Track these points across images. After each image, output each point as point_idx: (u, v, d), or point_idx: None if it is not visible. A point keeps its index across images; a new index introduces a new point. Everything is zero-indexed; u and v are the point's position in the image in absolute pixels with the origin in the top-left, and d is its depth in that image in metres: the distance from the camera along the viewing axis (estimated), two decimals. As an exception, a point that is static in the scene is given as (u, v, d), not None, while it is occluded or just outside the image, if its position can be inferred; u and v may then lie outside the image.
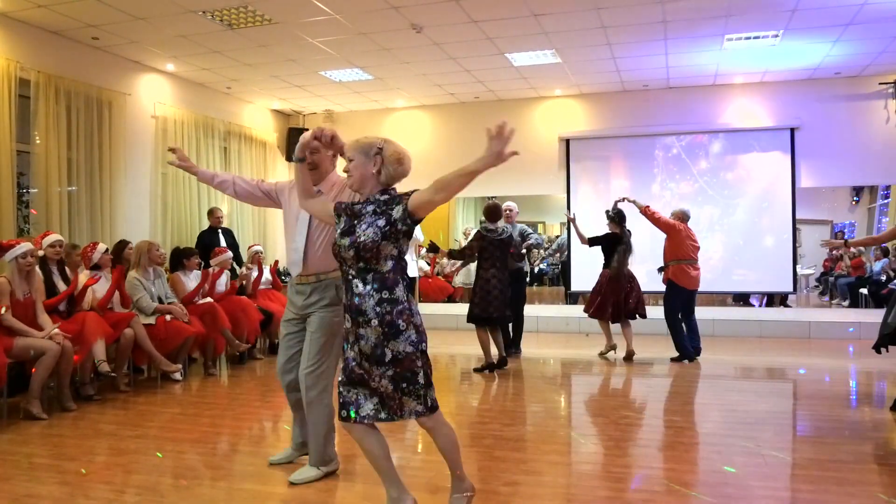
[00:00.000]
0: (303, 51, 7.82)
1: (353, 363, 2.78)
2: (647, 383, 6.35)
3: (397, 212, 2.79)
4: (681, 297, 7.17)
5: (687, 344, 7.14)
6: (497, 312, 6.55)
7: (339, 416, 2.86)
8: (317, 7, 6.51)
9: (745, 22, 7.02)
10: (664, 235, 7.33)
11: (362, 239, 2.71)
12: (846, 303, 10.84)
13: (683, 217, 7.34)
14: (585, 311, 7.53)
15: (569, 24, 7.06)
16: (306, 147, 3.19)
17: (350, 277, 2.76)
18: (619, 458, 3.98)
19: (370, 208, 2.82)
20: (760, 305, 10.60)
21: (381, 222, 2.76)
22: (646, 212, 7.18)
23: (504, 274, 6.65)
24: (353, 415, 2.78)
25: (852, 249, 5.08)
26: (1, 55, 6.39)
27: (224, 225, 8.67)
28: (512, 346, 7.48)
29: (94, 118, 7.38)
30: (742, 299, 10.67)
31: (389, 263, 2.76)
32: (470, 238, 6.88)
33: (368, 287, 2.72)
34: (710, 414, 5.07)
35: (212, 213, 8.52)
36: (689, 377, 6.52)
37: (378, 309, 2.70)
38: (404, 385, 2.72)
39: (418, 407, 2.77)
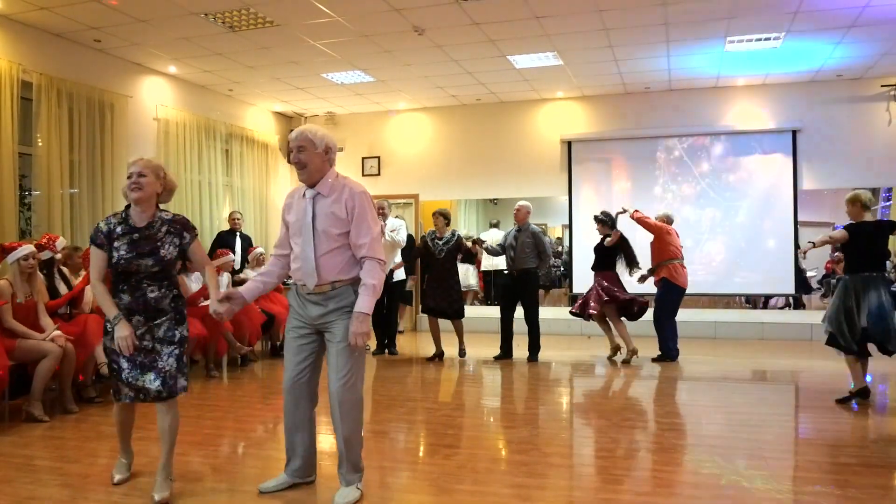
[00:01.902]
0: (304, 53, 7.83)
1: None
2: (649, 385, 6.34)
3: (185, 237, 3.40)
4: (677, 296, 7.32)
5: (672, 344, 7.27)
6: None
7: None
8: (319, 9, 6.51)
9: (748, 24, 7.01)
10: (649, 239, 7.48)
11: (168, 258, 3.33)
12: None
13: (668, 220, 7.52)
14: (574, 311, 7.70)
15: (571, 27, 7.06)
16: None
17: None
18: (621, 459, 3.98)
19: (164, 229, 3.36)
20: (785, 307, 10.50)
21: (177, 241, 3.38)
22: (634, 216, 7.35)
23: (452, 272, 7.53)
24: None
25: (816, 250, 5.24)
26: (3, 57, 6.40)
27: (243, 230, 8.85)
28: (529, 353, 7.47)
29: (95, 120, 7.39)
30: (752, 301, 10.60)
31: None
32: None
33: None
34: (712, 416, 5.06)
35: (230, 216, 8.80)
36: (690, 379, 6.51)
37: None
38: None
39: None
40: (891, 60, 8.13)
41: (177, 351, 3.34)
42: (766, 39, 7.46)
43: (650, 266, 7.45)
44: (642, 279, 7.43)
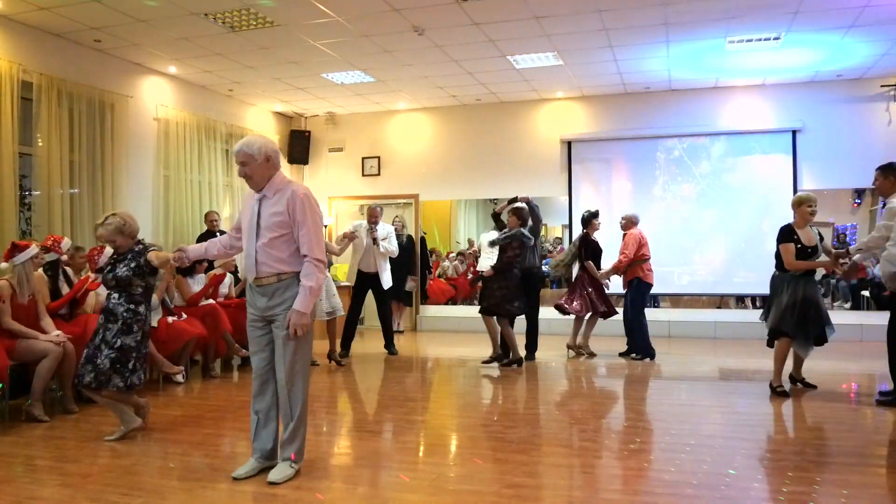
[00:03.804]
0: (305, 53, 7.83)
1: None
2: (648, 386, 6.34)
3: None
4: (646, 295, 7.50)
5: (649, 342, 7.39)
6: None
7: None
8: (319, 9, 6.52)
9: (747, 24, 7.02)
10: (615, 239, 7.69)
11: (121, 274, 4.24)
12: (848, 305, 10.83)
13: (636, 220, 7.58)
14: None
15: (570, 27, 7.06)
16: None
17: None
18: (621, 459, 3.98)
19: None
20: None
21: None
22: (620, 266, 7.40)
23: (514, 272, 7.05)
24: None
25: (856, 257, 5.40)
26: (3, 57, 6.40)
27: (221, 228, 8.65)
28: (527, 352, 7.47)
29: (96, 120, 7.39)
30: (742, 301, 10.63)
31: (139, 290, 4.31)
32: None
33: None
34: (711, 416, 5.07)
35: (207, 216, 8.49)
36: (689, 379, 6.52)
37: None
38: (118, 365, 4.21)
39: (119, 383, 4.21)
40: (891, 60, 8.14)
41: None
42: (766, 39, 7.46)
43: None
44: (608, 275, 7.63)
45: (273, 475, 3.48)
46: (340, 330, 7.49)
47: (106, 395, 4.26)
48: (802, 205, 5.50)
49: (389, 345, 7.95)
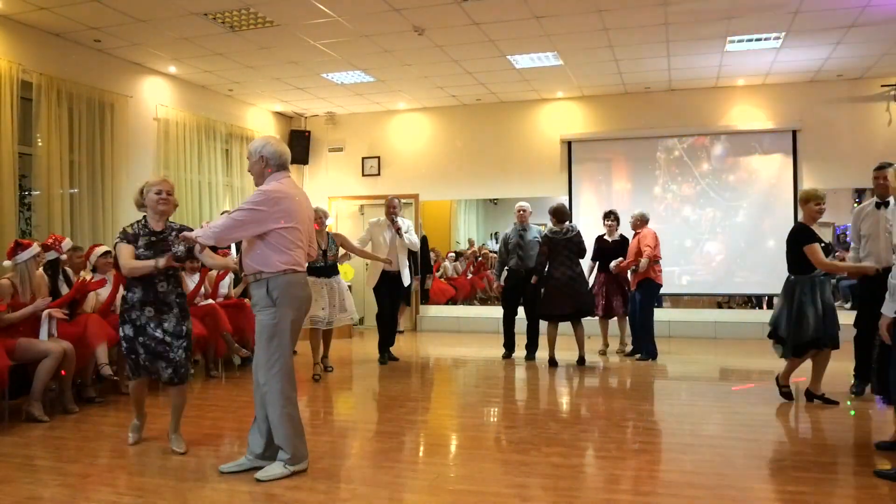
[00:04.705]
0: (305, 53, 7.83)
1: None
2: (649, 385, 6.34)
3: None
4: (655, 295, 7.45)
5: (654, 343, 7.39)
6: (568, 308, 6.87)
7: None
8: (319, 9, 6.51)
9: (748, 24, 7.01)
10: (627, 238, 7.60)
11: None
12: (848, 305, 10.82)
13: (647, 218, 7.49)
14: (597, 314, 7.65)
15: (571, 27, 7.06)
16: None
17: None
18: (621, 459, 3.98)
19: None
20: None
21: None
22: (651, 256, 7.20)
23: (574, 271, 6.94)
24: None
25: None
26: (3, 57, 6.40)
27: None
28: (527, 352, 7.48)
29: (95, 120, 7.39)
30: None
31: None
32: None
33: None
34: (711, 416, 5.06)
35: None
36: (689, 379, 6.52)
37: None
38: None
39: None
40: (891, 60, 8.13)
41: (185, 343, 4.00)
42: (766, 39, 7.46)
43: (634, 265, 7.43)
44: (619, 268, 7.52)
45: (259, 472, 3.52)
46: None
47: (178, 392, 4.08)
48: (810, 201, 5.18)
49: (387, 352, 7.47)
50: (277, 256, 3.54)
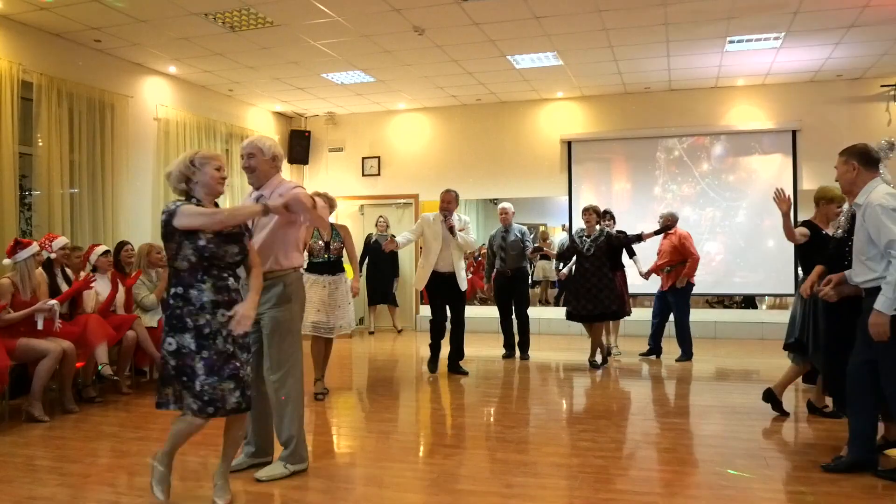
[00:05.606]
0: (305, 53, 7.83)
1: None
2: (648, 385, 6.34)
3: None
4: (689, 295, 7.48)
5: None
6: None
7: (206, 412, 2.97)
8: (319, 9, 6.51)
9: (748, 24, 7.01)
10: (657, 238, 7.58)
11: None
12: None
13: (676, 219, 7.53)
14: (628, 313, 7.59)
15: (571, 27, 7.06)
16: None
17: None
18: (621, 459, 3.98)
19: None
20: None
21: None
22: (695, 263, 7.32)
23: (602, 271, 6.89)
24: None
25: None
26: (3, 57, 6.40)
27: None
28: (520, 351, 7.52)
29: (96, 120, 7.39)
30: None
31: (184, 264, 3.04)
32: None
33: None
34: (711, 416, 5.07)
35: None
36: (689, 379, 6.52)
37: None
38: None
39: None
40: (891, 60, 8.13)
41: (252, 360, 3.21)
42: (765, 39, 7.46)
43: (667, 266, 7.46)
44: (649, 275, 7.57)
45: (260, 472, 3.52)
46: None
47: (240, 424, 3.23)
48: (833, 202, 4.68)
49: (455, 366, 6.86)
50: (294, 253, 3.59)
